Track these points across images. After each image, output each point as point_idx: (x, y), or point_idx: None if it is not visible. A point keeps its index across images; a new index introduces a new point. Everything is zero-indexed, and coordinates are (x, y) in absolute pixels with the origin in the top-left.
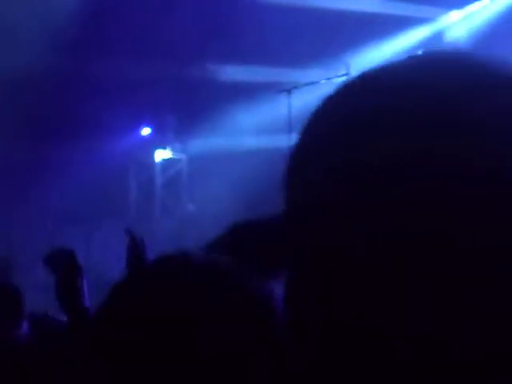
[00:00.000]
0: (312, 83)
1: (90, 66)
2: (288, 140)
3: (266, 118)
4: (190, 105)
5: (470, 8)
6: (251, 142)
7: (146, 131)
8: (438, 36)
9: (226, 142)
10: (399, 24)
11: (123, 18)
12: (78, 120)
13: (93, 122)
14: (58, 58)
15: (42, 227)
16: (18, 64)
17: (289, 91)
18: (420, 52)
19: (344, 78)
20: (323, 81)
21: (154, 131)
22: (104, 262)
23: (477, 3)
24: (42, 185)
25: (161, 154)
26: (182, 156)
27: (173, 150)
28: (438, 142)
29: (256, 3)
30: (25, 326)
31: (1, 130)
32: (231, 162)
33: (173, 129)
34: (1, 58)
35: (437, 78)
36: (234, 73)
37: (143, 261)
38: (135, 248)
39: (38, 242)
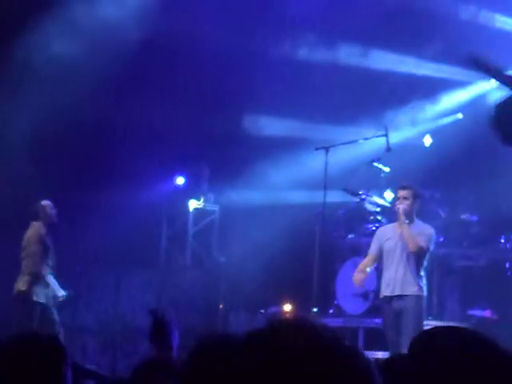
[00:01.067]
0: (350, 142)
1: (128, 117)
2: (323, 197)
3: (302, 174)
4: (225, 156)
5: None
6: (285, 196)
7: (180, 181)
8: (478, 99)
9: (260, 195)
10: (440, 86)
11: (162, 69)
12: (114, 169)
13: (128, 170)
14: (99, 108)
15: (73, 271)
16: (61, 117)
17: (327, 149)
18: (460, 115)
19: (382, 138)
20: (361, 140)
21: (189, 181)
22: (132, 310)
23: None
24: (75, 230)
25: (194, 204)
26: (215, 207)
27: (206, 200)
28: None
29: (297, 60)
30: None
31: (42, 179)
32: (264, 215)
33: (207, 179)
34: (30, 111)
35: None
36: (272, 127)
37: (167, 338)
38: (159, 328)
39: (67, 286)
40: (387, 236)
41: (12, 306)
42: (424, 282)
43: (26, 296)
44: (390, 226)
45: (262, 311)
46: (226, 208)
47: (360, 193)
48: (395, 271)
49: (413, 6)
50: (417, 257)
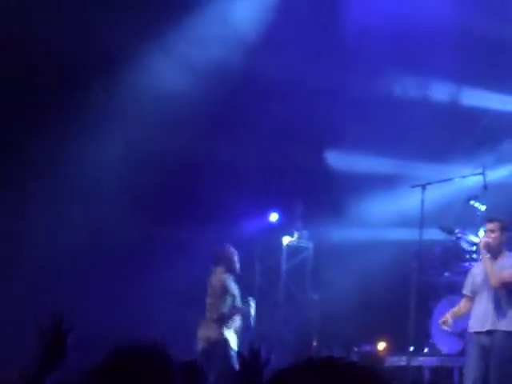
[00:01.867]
0: (447, 180)
1: (222, 153)
2: (419, 234)
3: (398, 211)
4: (320, 193)
5: None
6: (380, 233)
7: (274, 217)
8: None
9: (354, 232)
10: None
11: (253, 105)
12: (209, 204)
13: (223, 206)
14: (190, 143)
15: (164, 308)
16: (145, 150)
17: (423, 186)
18: None
19: (479, 176)
20: (458, 178)
21: (282, 217)
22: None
23: None
24: (168, 265)
25: (287, 241)
26: (309, 244)
27: (300, 237)
28: None
29: (392, 97)
30: None
31: (136, 216)
32: (358, 252)
33: (301, 216)
34: (118, 146)
35: None
36: (367, 164)
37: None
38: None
39: (159, 324)
40: (477, 271)
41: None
42: None
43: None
44: (478, 264)
45: (356, 349)
46: (320, 245)
47: (456, 231)
48: (485, 306)
49: (510, 43)
50: (506, 291)
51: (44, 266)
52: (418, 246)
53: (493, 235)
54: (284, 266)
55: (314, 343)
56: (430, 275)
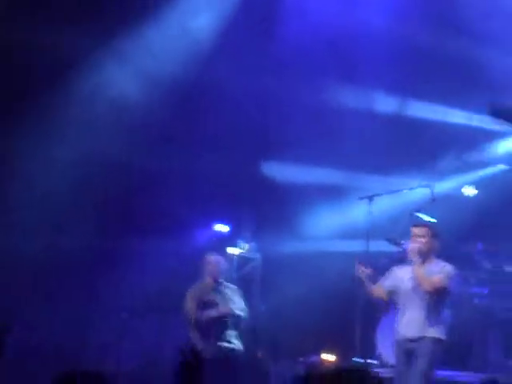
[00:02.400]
0: (394, 191)
1: (169, 164)
2: (366, 246)
3: (345, 223)
4: (268, 204)
5: None
6: (327, 245)
7: (222, 228)
8: None
9: (302, 244)
10: (484, 136)
11: (203, 115)
12: (157, 215)
13: (171, 216)
14: (141, 153)
15: (117, 317)
16: (101, 162)
17: (370, 198)
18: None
19: (426, 189)
20: (405, 190)
21: (231, 229)
22: (173, 356)
23: None
24: (118, 277)
25: (236, 252)
26: (257, 255)
27: (248, 248)
28: None
29: (345, 109)
30: None
31: (82, 227)
32: (306, 263)
33: (249, 227)
34: (84, 160)
35: None
36: (314, 176)
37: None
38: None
39: (112, 332)
40: (403, 275)
41: None
42: (442, 324)
43: None
44: (407, 267)
45: (302, 360)
46: (268, 256)
47: (402, 242)
48: (415, 313)
49: (457, 56)
50: (435, 297)
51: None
52: (364, 257)
53: (423, 240)
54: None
55: (260, 354)
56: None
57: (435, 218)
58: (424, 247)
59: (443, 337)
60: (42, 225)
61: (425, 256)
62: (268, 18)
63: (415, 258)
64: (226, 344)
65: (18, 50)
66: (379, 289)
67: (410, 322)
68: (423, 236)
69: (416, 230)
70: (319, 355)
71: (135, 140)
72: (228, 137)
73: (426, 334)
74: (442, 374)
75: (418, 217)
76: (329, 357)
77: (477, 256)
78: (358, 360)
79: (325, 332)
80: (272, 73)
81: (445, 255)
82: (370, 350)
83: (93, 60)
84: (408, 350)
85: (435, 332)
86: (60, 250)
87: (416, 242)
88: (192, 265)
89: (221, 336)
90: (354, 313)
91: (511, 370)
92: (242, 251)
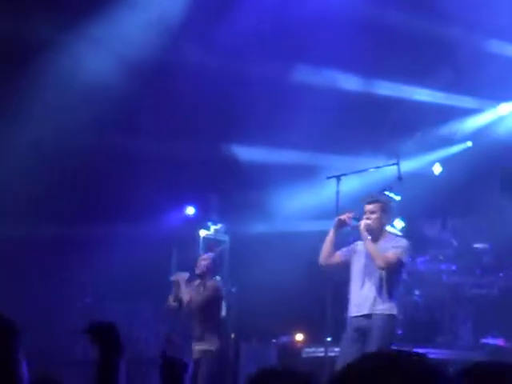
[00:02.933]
0: (361, 171)
1: (135, 148)
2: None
3: (313, 203)
4: (235, 186)
5: None
6: (296, 225)
7: (190, 210)
8: (487, 127)
9: (271, 225)
10: (450, 114)
11: (170, 98)
12: (123, 199)
13: (137, 201)
14: (103, 139)
15: (82, 302)
16: (67, 146)
17: (338, 177)
18: (469, 143)
19: (393, 167)
20: (372, 169)
21: (198, 211)
22: (144, 339)
23: None
24: (86, 263)
25: (204, 234)
26: (225, 237)
27: (216, 230)
28: None
29: (310, 89)
30: None
31: (51, 210)
32: (275, 244)
33: (216, 209)
34: (51, 142)
35: None
36: (281, 156)
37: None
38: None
39: (77, 317)
40: (357, 253)
41: None
42: (396, 300)
43: None
44: (361, 242)
45: (274, 341)
46: (237, 238)
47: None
48: (366, 290)
49: (422, 34)
50: (387, 273)
51: None
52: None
53: (373, 216)
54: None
55: (232, 335)
56: None
57: (402, 196)
58: (373, 223)
59: (395, 313)
60: (8, 211)
61: (376, 232)
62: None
63: (365, 235)
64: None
65: None
66: (335, 255)
67: (362, 300)
68: (374, 212)
69: (367, 207)
70: (291, 336)
71: (103, 125)
72: (193, 119)
73: (378, 312)
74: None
75: (386, 195)
76: (300, 337)
77: (444, 234)
78: (329, 340)
79: (296, 313)
80: (235, 54)
81: (412, 234)
82: (341, 329)
83: (62, 43)
84: (359, 328)
85: (387, 308)
86: (27, 238)
87: (368, 218)
88: (162, 250)
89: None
90: (325, 293)
91: (480, 346)
92: (209, 233)
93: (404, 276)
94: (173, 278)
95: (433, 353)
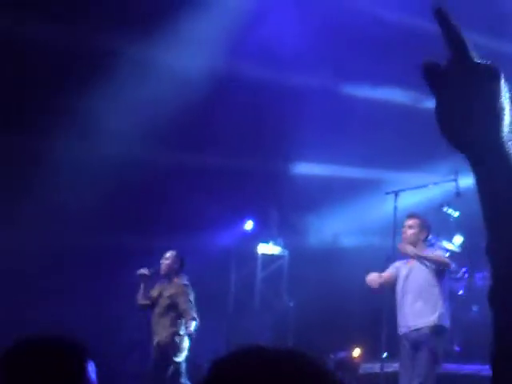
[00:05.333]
0: (420, 187)
1: (197, 161)
2: (392, 241)
3: (371, 219)
4: (294, 201)
5: None
6: (354, 240)
7: (249, 225)
8: None
9: (329, 240)
10: None
11: (230, 113)
12: (182, 213)
13: (197, 215)
14: (166, 152)
15: (142, 317)
16: (121, 160)
17: (396, 193)
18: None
19: (452, 183)
20: (431, 185)
21: (258, 225)
22: (200, 355)
23: None
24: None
25: (263, 249)
26: (284, 251)
27: (275, 244)
28: None
29: (368, 104)
30: None
31: (99, 223)
32: (333, 259)
33: (276, 224)
34: (95, 155)
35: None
36: (340, 172)
37: None
38: None
39: (137, 331)
40: (401, 271)
41: None
42: (443, 310)
43: None
44: (403, 261)
45: (332, 356)
46: (295, 252)
47: (429, 237)
48: (410, 304)
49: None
50: (432, 285)
51: (10, 269)
52: (391, 252)
53: (410, 231)
54: (259, 274)
55: None
56: None
57: (461, 212)
58: (410, 237)
59: (443, 323)
60: (61, 221)
61: (415, 246)
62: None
63: (409, 249)
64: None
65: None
66: (383, 276)
67: (409, 316)
68: (412, 227)
69: (407, 221)
70: (348, 351)
71: (161, 138)
72: (254, 134)
73: (424, 325)
74: (467, 368)
75: (444, 211)
76: (357, 353)
77: None
78: (385, 355)
79: (353, 328)
80: (295, 69)
81: (471, 249)
82: (397, 345)
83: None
84: (410, 342)
85: (433, 321)
86: (81, 248)
87: (405, 233)
88: (221, 264)
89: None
90: (381, 308)
91: None
92: (268, 248)
93: (447, 283)
94: (140, 272)
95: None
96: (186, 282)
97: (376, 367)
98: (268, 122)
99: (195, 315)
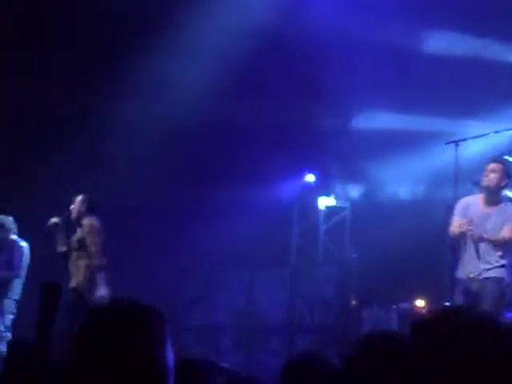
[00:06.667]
0: (480, 136)
1: (259, 116)
2: (454, 192)
3: (431, 169)
4: (355, 152)
5: None
6: (415, 191)
7: (310, 178)
8: None
9: (390, 190)
10: None
11: (288, 66)
12: (244, 167)
13: (258, 168)
14: (230, 107)
15: (205, 269)
16: (179, 116)
17: (456, 143)
18: None
19: None
20: (492, 134)
21: (318, 178)
22: (265, 307)
23: None
24: (206, 228)
25: (324, 201)
26: (346, 203)
27: (336, 197)
28: None
29: (426, 54)
30: None
31: (167, 177)
32: (394, 210)
33: (337, 176)
34: (163, 111)
35: None
36: (400, 122)
37: None
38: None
39: (199, 284)
40: (471, 210)
41: None
42: (506, 263)
43: None
44: (475, 198)
45: (395, 307)
46: (358, 204)
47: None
48: (475, 251)
49: None
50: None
51: None
52: (452, 201)
53: (493, 175)
54: (322, 227)
55: (353, 302)
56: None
57: None
58: (492, 182)
59: (504, 276)
60: (139, 179)
61: (493, 193)
62: None
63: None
64: None
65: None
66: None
67: (473, 262)
68: (495, 171)
69: (490, 165)
70: (412, 302)
71: (226, 94)
72: (311, 87)
73: (489, 275)
74: None
75: (506, 159)
76: (421, 303)
77: None
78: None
79: (416, 278)
80: (356, 18)
81: None
82: None
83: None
84: (469, 290)
85: (498, 272)
86: (157, 201)
87: (487, 177)
88: (283, 216)
89: None
90: (443, 258)
91: None
92: (330, 200)
93: None
94: (50, 223)
95: None
96: (94, 223)
97: None
98: (332, 73)
99: (104, 261)
